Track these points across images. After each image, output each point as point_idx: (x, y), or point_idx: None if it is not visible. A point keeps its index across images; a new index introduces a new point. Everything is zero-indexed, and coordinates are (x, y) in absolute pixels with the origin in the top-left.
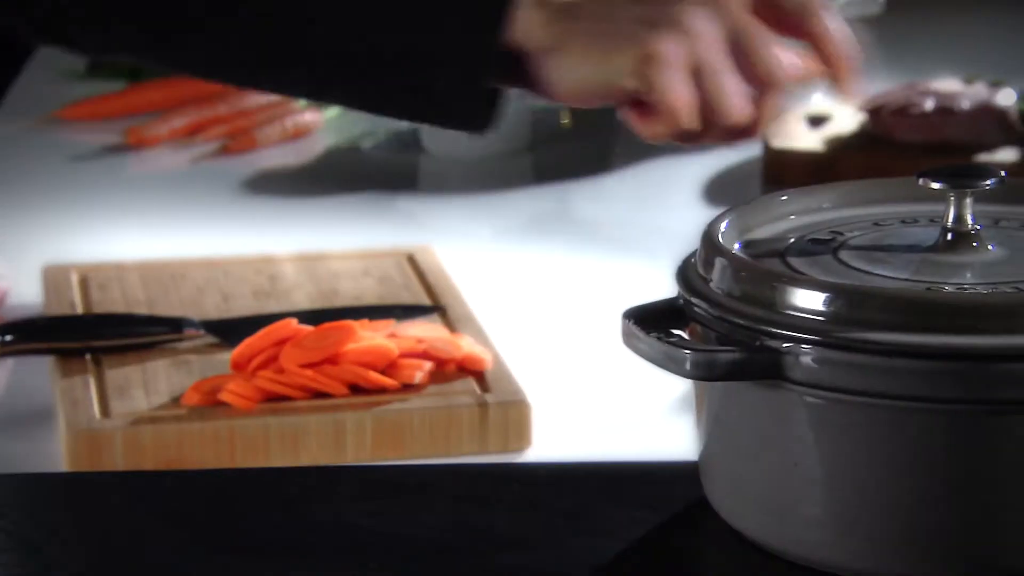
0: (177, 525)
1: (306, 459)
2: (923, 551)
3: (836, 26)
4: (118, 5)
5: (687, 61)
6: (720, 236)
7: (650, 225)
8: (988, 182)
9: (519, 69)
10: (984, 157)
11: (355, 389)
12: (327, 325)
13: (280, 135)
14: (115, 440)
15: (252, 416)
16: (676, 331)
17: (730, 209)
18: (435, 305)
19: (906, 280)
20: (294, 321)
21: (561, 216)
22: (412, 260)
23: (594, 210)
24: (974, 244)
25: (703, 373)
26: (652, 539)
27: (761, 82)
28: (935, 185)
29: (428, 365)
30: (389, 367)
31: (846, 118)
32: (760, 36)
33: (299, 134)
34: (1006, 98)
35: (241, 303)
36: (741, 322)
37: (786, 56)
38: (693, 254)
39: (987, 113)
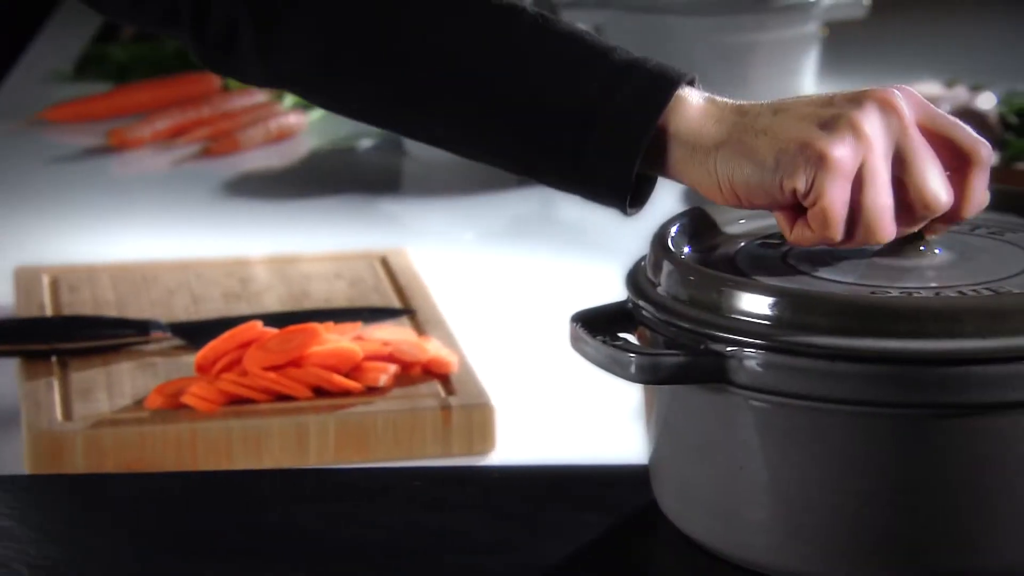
0: (136, 528)
1: (268, 462)
2: (868, 554)
3: (983, 187)
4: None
5: (855, 167)
6: (669, 240)
7: (632, 229)
8: None
9: (670, 158)
10: None
11: (319, 392)
12: (291, 328)
13: (263, 137)
14: (76, 443)
15: (214, 419)
16: (625, 335)
17: (682, 213)
18: (405, 308)
19: (852, 284)
20: (259, 324)
21: (543, 219)
22: (385, 262)
23: (577, 214)
24: (921, 248)
25: (648, 377)
26: (602, 543)
27: (912, 207)
28: None
29: (393, 368)
30: (354, 370)
31: None
32: (927, 160)
33: (283, 136)
34: (986, 102)
35: (211, 305)
36: (686, 326)
37: (944, 187)
38: (643, 258)
39: (967, 117)
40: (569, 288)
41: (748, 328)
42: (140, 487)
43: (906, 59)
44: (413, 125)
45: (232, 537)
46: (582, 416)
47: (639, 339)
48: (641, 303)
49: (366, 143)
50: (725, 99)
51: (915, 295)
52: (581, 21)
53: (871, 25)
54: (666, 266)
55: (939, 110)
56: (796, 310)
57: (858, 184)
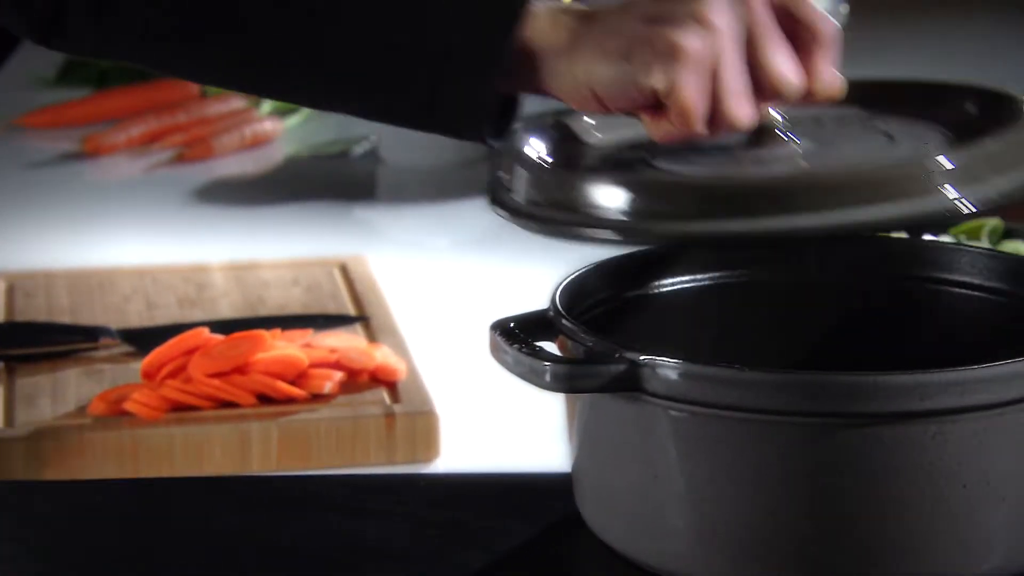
0: (72, 535)
1: (210, 469)
2: (779, 563)
3: (829, 67)
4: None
5: (707, 57)
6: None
7: None
8: None
9: (532, 73)
10: None
11: (264, 399)
12: (237, 335)
13: (238, 143)
14: (16, 449)
15: (156, 426)
16: (547, 343)
17: None
18: (358, 315)
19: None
20: (205, 330)
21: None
22: (344, 269)
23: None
24: (781, 137)
25: (562, 386)
26: (523, 551)
27: (765, 90)
28: None
29: (339, 375)
30: (299, 377)
31: None
32: (776, 43)
33: (258, 142)
34: None
35: (165, 312)
36: (600, 335)
37: (794, 69)
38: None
39: None
40: (537, 297)
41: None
42: (80, 494)
43: (885, 63)
44: (263, 85)
45: (160, 544)
46: (529, 425)
47: (560, 348)
48: (561, 312)
49: (340, 150)
50: (574, 3)
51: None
52: None
53: (850, 29)
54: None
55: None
56: (653, 197)
57: (712, 72)
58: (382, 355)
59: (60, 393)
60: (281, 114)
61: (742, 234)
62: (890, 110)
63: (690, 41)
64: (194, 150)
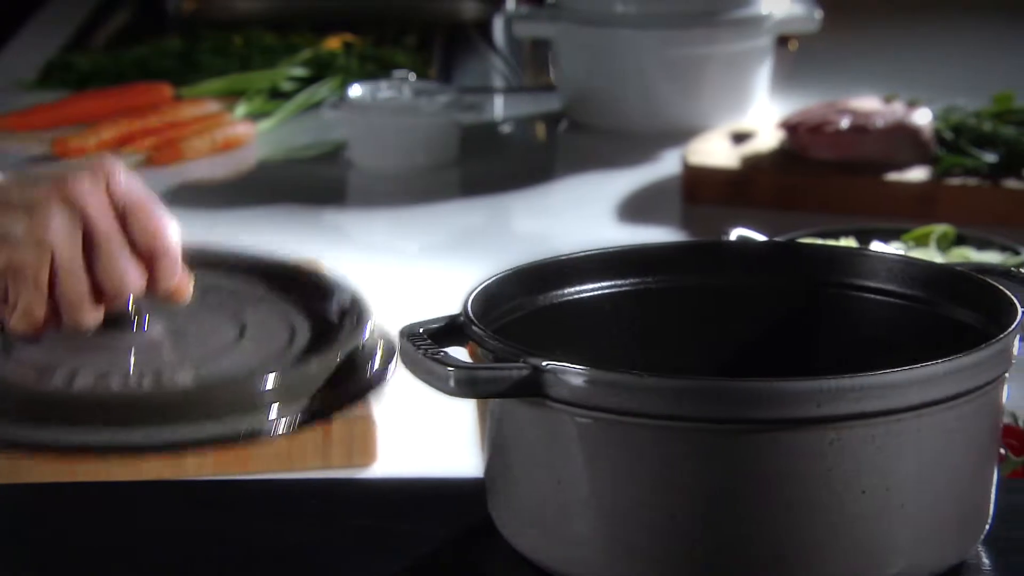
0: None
1: (149, 473)
2: (683, 568)
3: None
4: None
5: (41, 267)
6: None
7: (572, 239)
8: None
9: None
10: (896, 176)
11: None
12: None
13: (209, 147)
14: None
15: None
16: (460, 349)
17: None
18: None
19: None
20: None
21: (489, 231)
22: None
23: (524, 225)
24: (131, 326)
25: (465, 391)
26: (433, 556)
27: (107, 292)
28: None
29: None
30: None
31: (768, 135)
32: (115, 250)
33: (229, 146)
34: (921, 117)
35: None
36: (505, 340)
37: (135, 272)
38: None
39: (900, 132)
40: None
41: None
42: (11, 498)
43: (858, 73)
44: None
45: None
46: (470, 431)
47: (470, 354)
48: (470, 318)
49: (311, 155)
50: None
51: (99, 380)
52: (532, 33)
53: (824, 38)
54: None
55: (138, 192)
56: None
57: (49, 282)
58: None
59: None
60: (254, 118)
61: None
62: (286, 293)
63: (23, 258)
64: (163, 153)
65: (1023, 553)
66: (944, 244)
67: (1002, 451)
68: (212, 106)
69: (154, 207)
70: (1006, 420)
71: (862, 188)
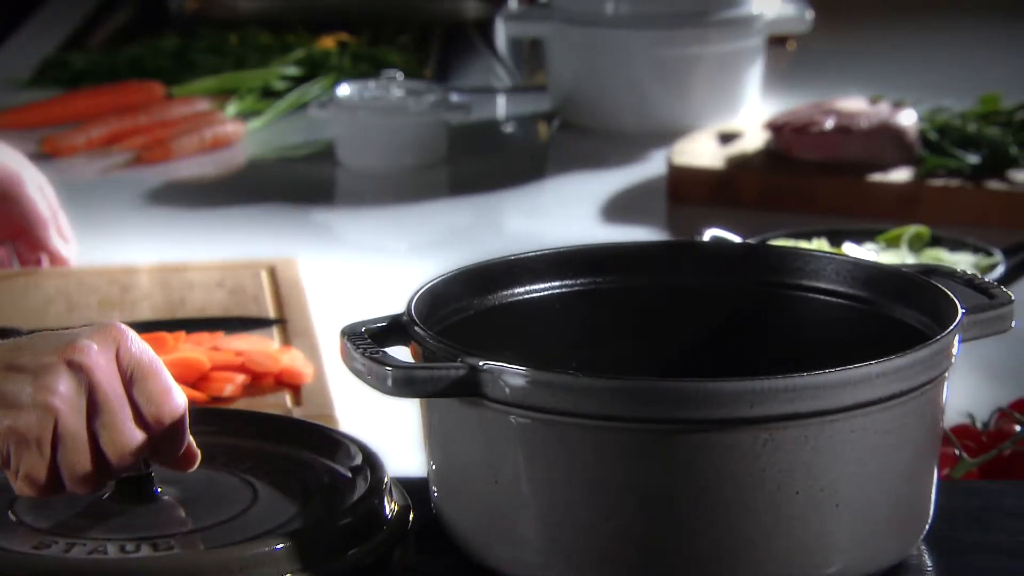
0: None
1: None
2: (620, 567)
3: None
4: None
5: (44, 434)
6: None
7: (557, 238)
8: None
9: None
10: (880, 176)
11: None
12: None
13: (198, 146)
14: None
15: None
16: (403, 348)
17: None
18: (275, 319)
19: (41, 534)
20: None
21: (477, 229)
22: (272, 272)
23: (514, 224)
24: (145, 492)
25: (403, 390)
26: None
27: (110, 459)
28: None
29: (242, 378)
30: (200, 380)
31: (755, 136)
32: (115, 410)
33: (219, 145)
34: (907, 118)
35: (84, 314)
36: (444, 339)
37: (137, 438)
38: None
39: (884, 133)
40: None
41: None
42: None
43: (852, 73)
44: None
45: None
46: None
47: (412, 354)
48: (413, 318)
49: (299, 154)
50: None
51: (96, 551)
52: (524, 33)
53: (816, 38)
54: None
55: (147, 358)
56: None
57: (56, 444)
58: (289, 358)
59: None
60: (245, 117)
61: None
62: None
63: (27, 422)
64: (152, 152)
65: (967, 553)
66: (918, 245)
67: (956, 452)
68: (203, 105)
69: (162, 374)
70: (963, 421)
71: (845, 189)
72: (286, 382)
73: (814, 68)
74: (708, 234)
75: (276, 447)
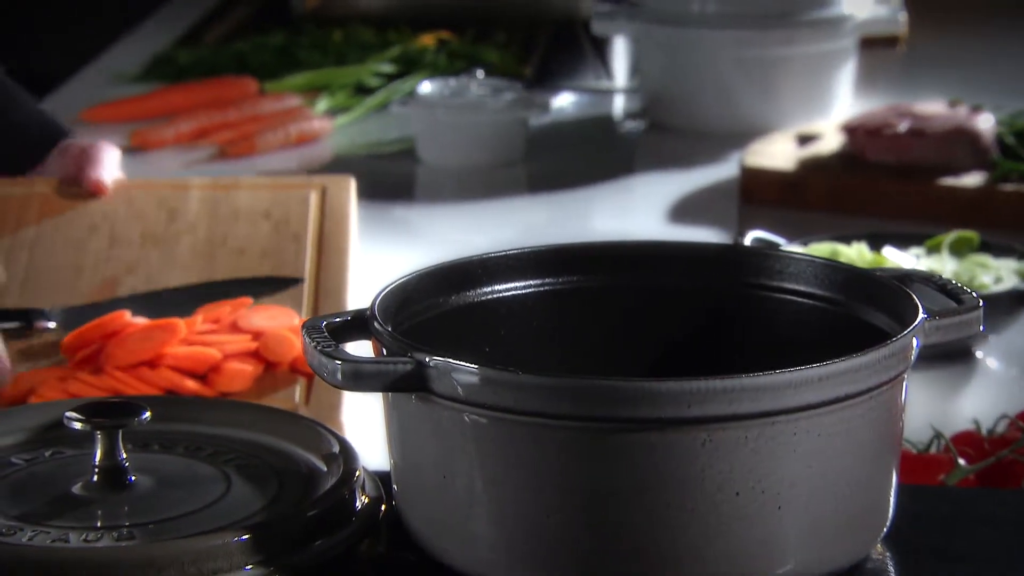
0: None
1: None
2: (564, 566)
3: None
4: None
5: None
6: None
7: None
8: (137, 418)
9: None
10: (951, 180)
11: (171, 394)
12: (153, 323)
13: (283, 141)
14: None
15: None
16: (365, 343)
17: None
18: (298, 278)
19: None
20: (126, 314)
21: (550, 228)
22: (323, 194)
23: (584, 222)
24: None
25: (351, 384)
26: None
27: None
28: (78, 425)
29: (252, 369)
30: (211, 371)
31: (833, 138)
32: None
33: (304, 140)
34: (984, 122)
35: (126, 252)
36: (395, 335)
37: None
38: None
39: (958, 136)
40: None
41: None
42: None
43: (939, 77)
44: None
45: None
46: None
47: (373, 350)
48: (373, 314)
49: (380, 150)
50: None
51: (59, 539)
52: (611, 32)
53: (911, 41)
54: None
55: None
56: None
57: None
58: None
59: None
60: (335, 113)
61: None
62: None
63: None
64: (237, 147)
65: (930, 558)
66: (963, 250)
67: (961, 461)
68: (293, 101)
69: None
70: (969, 427)
71: (914, 192)
72: (299, 370)
73: (910, 70)
74: (750, 236)
75: (255, 437)
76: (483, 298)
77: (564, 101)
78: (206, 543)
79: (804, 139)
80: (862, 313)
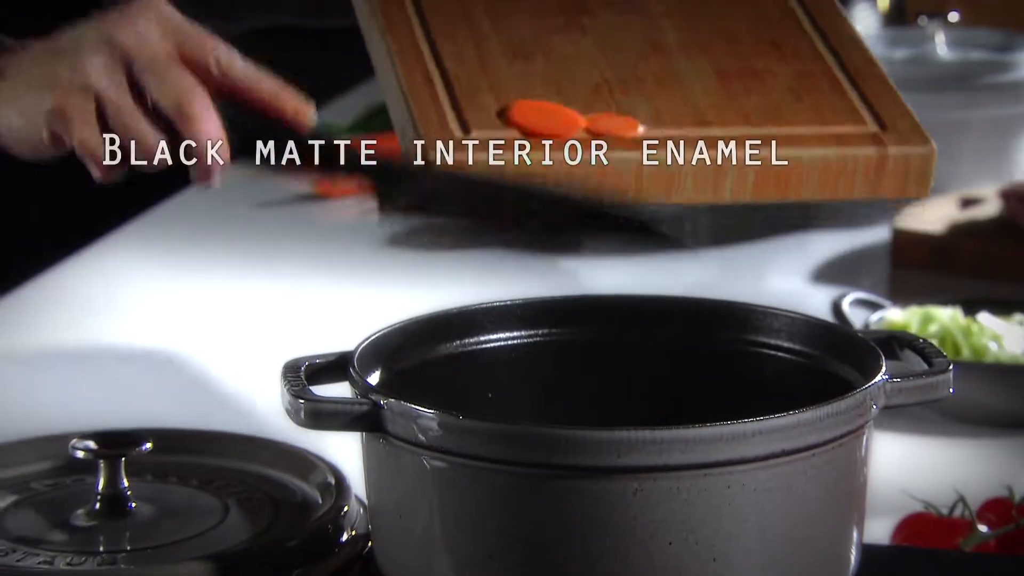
0: None
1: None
2: None
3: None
4: None
5: (88, 108)
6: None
7: (776, 298)
8: (140, 448)
9: None
10: None
11: None
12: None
13: None
14: None
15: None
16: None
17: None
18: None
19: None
20: None
21: (695, 287)
22: None
23: (738, 280)
24: (127, 507)
25: (312, 423)
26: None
27: (173, 117)
28: (81, 454)
29: None
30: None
31: (994, 202)
32: (162, 70)
33: None
34: None
35: None
36: (359, 375)
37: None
38: None
39: None
40: None
41: None
42: None
43: None
44: None
45: None
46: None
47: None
48: (351, 359)
49: None
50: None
51: (46, 562)
52: None
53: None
54: None
55: (191, 30)
56: None
57: (103, 114)
58: None
59: None
60: None
61: None
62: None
63: (69, 103)
64: None
65: None
66: None
67: (983, 528)
68: None
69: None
70: (1002, 493)
71: None
72: None
73: None
74: (849, 297)
75: (256, 468)
76: (470, 348)
77: None
78: (173, 570)
79: (967, 202)
80: (838, 370)
